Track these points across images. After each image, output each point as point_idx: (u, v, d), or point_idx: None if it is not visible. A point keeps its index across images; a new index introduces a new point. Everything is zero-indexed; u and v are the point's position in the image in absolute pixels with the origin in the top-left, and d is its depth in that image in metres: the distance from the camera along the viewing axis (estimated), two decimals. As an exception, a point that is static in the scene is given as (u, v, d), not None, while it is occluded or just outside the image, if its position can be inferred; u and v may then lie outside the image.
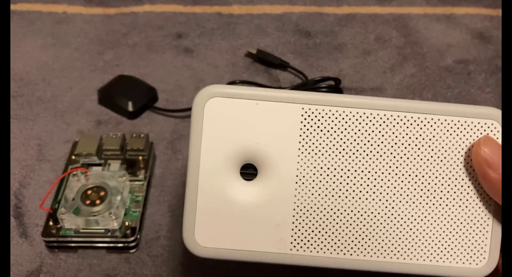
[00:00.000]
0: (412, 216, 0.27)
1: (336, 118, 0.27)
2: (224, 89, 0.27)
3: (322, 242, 0.27)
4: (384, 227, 0.27)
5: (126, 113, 0.52)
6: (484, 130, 0.27)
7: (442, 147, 0.27)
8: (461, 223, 0.27)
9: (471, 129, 0.27)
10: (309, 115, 0.27)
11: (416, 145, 0.27)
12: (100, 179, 0.42)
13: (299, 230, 0.27)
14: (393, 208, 0.27)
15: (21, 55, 0.59)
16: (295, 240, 0.27)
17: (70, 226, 0.40)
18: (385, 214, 0.27)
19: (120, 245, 0.40)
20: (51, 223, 0.41)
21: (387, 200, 0.27)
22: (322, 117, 0.27)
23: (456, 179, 0.27)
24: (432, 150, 0.27)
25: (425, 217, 0.27)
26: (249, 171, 0.28)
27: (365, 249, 0.27)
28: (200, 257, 0.28)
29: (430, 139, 0.27)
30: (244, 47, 0.62)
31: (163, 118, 0.53)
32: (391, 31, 0.65)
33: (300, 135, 0.27)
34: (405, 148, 0.27)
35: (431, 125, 0.27)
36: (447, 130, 0.27)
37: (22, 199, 0.45)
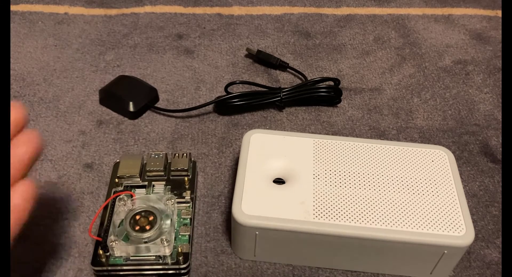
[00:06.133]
0: (396, 198, 0.39)
1: (332, 144, 0.43)
2: (263, 131, 0.44)
3: (336, 214, 0.38)
4: (380, 205, 0.39)
5: (127, 113, 0.53)
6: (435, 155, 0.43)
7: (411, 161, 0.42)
8: (438, 204, 0.39)
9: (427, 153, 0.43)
10: (317, 143, 0.43)
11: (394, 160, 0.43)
12: (147, 202, 0.40)
13: (319, 205, 0.38)
14: (381, 193, 0.40)
15: (22, 56, 0.60)
16: (316, 211, 0.38)
17: (120, 254, 0.38)
18: (376, 197, 0.39)
19: (171, 272, 0.38)
20: (100, 252, 0.38)
21: (377, 189, 0.40)
22: (324, 144, 0.43)
23: (425, 177, 0.41)
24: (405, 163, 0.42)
25: (409, 200, 0.39)
26: (279, 179, 0.41)
27: (369, 219, 0.38)
28: (245, 225, 0.37)
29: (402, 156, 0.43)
30: (244, 48, 0.62)
31: (164, 118, 0.53)
32: (389, 32, 0.66)
33: (313, 152, 0.43)
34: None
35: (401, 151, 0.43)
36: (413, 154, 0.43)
37: (24, 198, 0.45)
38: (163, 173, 0.44)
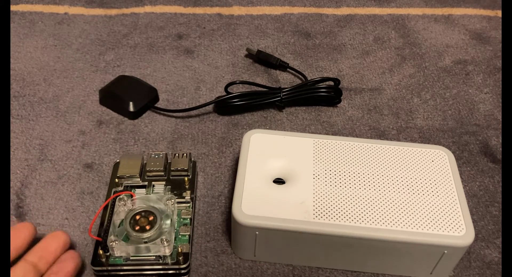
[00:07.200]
0: (395, 198, 0.39)
1: (332, 144, 0.43)
2: (263, 131, 0.44)
3: (336, 214, 0.38)
4: (380, 205, 0.39)
5: (127, 113, 0.53)
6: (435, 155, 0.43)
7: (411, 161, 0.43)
8: (438, 204, 0.39)
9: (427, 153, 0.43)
10: (317, 143, 0.43)
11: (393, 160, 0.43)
12: (147, 202, 0.41)
13: (319, 205, 0.38)
14: (381, 193, 0.40)
15: (22, 56, 0.60)
16: (316, 211, 0.38)
17: (120, 254, 0.38)
18: (376, 197, 0.39)
19: (171, 272, 0.38)
20: (100, 252, 0.38)
21: (377, 189, 0.40)
22: (324, 144, 0.43)
23: (425, 177, 0.41)
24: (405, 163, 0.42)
25: (409, 200, 0.39)
26: (279, 179, 0.41)
27: (369, 219, 0.38)
28: (245, 225, 0.37)
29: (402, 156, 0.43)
30: (244, 48, 0.62)
31: (164, 118, 0.53)
32: (390, 32, 0.66)
33: (313, 152, 0.42)
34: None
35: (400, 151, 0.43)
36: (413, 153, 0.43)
37: (24, 198, 0.45)
38: (163, 173, 0.44)
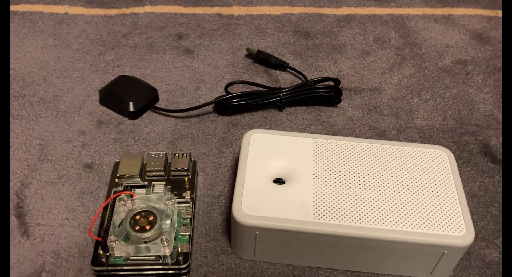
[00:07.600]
0: (395, 198, 0.39)
1: (332, 144, 0.43)
2: (263, 131, 0.44)
3: (336, 214, 0.38)
4: (380, 205, 0.39)
5: (127, 113, 0.53)
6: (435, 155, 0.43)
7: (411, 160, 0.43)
8: (438, 204, 0.39)
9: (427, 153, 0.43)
10: (317, 143, 0.43)
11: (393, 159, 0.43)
12: (147, 202, 0.41)
13: (319, 205, 0.38)
14: (380, 193, 0.40)
15: (22, 56, 0.60)
16: (316, 211, 0.38)
17: (120, 254, 0.38)
18: (375, 197, 0.39)
19: (171, 272, 0.38)
20: (100, 252, 0.38)
21: (377, 189, 0.40)
22: (324, 144, 0.43)
23: (425, 177, 0.41)
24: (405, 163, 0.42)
25: (409, 200, 0.39)
26: (279, 179, 0.41)
27: (369, 219, 0.38)
28: (245, 225, 0.37)
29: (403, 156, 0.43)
30: (244, 48, 0.62)
31: (164, 118, 0.53)
32: (389, 32, 0.66)
33: (313, 152, 0.43)
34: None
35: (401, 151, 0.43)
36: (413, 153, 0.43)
37: (24, 198, 0.45)
38: (163, 173, 0.44)
